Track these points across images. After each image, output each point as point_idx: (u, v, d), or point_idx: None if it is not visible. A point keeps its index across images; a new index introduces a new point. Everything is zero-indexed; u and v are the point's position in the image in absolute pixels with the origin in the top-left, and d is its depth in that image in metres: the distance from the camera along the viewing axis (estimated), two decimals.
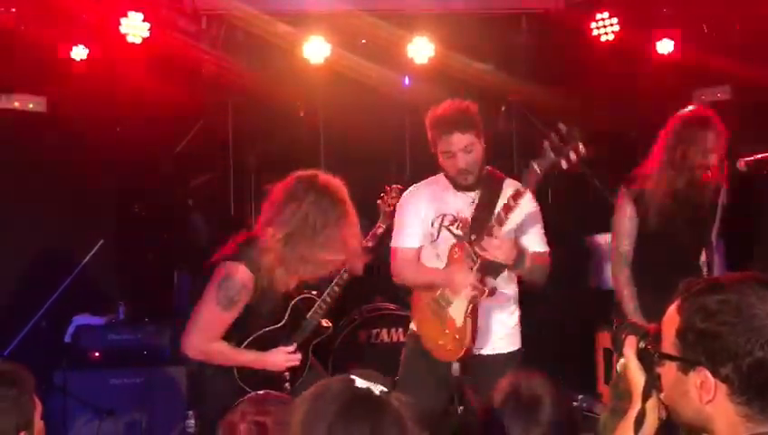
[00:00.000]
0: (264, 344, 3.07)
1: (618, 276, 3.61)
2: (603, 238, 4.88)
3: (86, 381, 4.61)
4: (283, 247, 2.82)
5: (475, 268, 3.00)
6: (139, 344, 4.85)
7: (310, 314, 3.22)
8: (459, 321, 3.07)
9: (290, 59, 5.46)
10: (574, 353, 5.18)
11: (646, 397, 1.51)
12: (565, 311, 5.37)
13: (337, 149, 5.74)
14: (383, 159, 5.86)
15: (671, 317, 1.38)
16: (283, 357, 3.07)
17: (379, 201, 3.80)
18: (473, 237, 3.07)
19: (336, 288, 3.29)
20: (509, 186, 3.15)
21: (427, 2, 5.45)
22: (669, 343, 1.38)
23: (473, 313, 3.06)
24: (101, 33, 5.16)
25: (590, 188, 4.54)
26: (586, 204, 5.11)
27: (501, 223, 2.95)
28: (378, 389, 1.40)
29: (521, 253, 3.02)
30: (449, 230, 3.20)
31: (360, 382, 1.40)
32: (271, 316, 3.09)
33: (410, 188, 3.43)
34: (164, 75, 5.22)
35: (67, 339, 5.02)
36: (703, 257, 3.63)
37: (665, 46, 5.29)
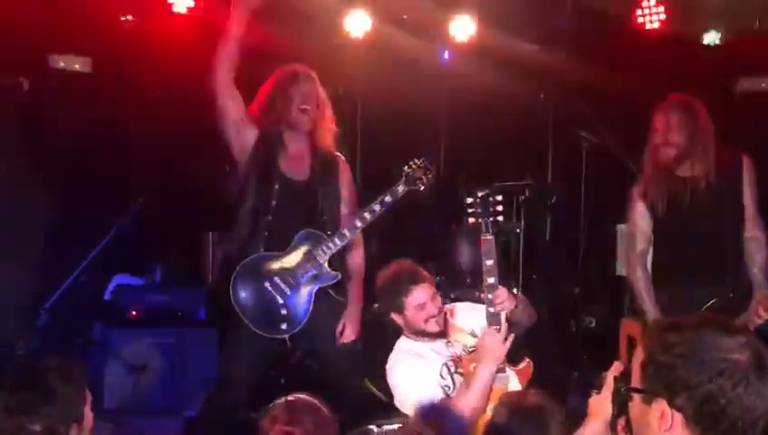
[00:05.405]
0: (255, 264, 3.45)
1: (632, 276, 3.59)
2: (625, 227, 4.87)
3: (123, 338, 4.77)
4: None
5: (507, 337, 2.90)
6: (174, 305, 5.00)
7: (315, 249, 3.41)
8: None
9: (331, 32, 5.48)
10: (598, 340, 5.21)
11: (614, 427, 1.65)
12: (590, 297, 5.39)
13: (374, 123, 5.76)
14: (420, 135, 5.87)
15: (638, 353, 1.54)
16: None
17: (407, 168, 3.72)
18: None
19: (347, 232, 3.44)
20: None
21: None
22: (636, 378, 1.52)
23: None
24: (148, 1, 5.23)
25: (628, 175, 4.54)
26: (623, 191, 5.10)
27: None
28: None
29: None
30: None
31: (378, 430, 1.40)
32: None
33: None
34: (207, 44, 5.26)
35: (106, 297, 5.19)
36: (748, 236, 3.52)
37: (710, 36, 5.23)
